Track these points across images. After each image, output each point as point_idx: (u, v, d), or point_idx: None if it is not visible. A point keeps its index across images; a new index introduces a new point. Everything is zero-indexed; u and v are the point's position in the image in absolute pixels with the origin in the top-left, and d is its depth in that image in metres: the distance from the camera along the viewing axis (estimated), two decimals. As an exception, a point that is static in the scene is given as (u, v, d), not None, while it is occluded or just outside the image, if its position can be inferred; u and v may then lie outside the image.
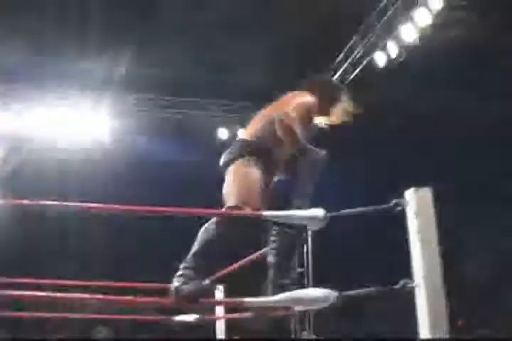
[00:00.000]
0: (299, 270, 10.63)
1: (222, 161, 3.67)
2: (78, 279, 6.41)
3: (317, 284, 9.89)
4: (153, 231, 11.41)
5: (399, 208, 2.86)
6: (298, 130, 3.58)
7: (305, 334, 9.73)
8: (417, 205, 2.79)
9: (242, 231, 3.28)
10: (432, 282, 2.68)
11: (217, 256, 3.32)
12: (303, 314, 9.92)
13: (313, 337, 9.69)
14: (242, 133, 3.93)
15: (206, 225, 3.31)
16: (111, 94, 10.61)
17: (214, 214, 3.31)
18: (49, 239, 12.22)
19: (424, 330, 2.63)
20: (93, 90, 10.50)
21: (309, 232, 10.41)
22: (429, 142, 11.83)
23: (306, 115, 3.78)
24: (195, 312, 4.64)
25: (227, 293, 5.42)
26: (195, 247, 3.26)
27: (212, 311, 5.13)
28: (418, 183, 2.86)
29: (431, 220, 2.80)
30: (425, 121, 11.04)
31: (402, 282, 2.75)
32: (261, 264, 3.81)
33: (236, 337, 7.04)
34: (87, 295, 3.08)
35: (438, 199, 2.78)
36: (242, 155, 3.58)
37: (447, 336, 2.61)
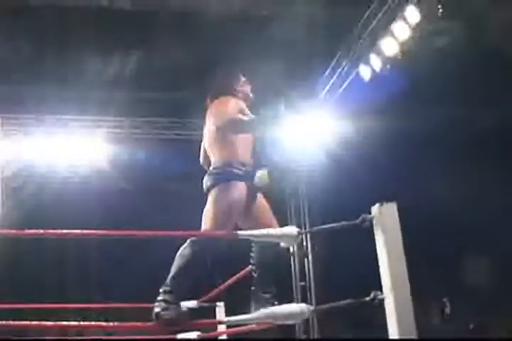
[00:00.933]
0: (301, 283, 10.79)
1: (204, 188, 3.85)
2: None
3: (320, 297, 9.92)
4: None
5: (366, 223, 2.97)
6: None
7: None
8: (382, 219, 2.90)
9: (217, 252, 3.44)
10: (399, 293, 2.78)
11: (195, 277, 3.46)
12: (306, 322, 10.07)
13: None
14: (212, 160, 4.02)
15: (181, 250, 3.48)
16: (108, 118, 10.75)
17: (193, 236, 3.44)
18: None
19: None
20: (90, 115, 10.62)
21: (309, 248, 10.66)
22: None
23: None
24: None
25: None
26: (172, 272, 3.44)
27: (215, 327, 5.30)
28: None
29: (397, 234, 2.89)
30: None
31: (372, 294, 2.85)
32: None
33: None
34: (75, 323, 3.21)
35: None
36: (217, 184, 3.75)
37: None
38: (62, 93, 10.12)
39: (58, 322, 3.42)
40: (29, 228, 3.20)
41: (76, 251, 11.60)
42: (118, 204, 11.52)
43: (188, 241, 3.48)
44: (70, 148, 10.55)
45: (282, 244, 3.35)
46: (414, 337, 2.73)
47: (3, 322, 3.30)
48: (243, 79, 4.29)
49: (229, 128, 3.87)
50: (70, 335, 7.32)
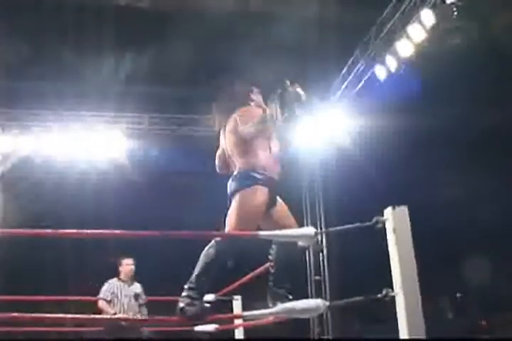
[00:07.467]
0: (316, 278, 10.95)
1: (228, 191, 3.98)
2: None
3: (334, 291, 10.04)
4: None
5: (379, 225, 3.15)
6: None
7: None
8: (394, 222, 3.08)
9: (239, 252, 3.64)
10: (409, 291, 2.97)
11: (218, 275, 3.67)
12: (320, 316, 10.25)
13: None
14: (236, 165, 4.11)
15: (206, 249, 3.68)
16: (126, 114, 10.91)
17: (216, 236, 3.63)
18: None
19: (403, 334, 2.92)
20: (108, 111, 10.79)
21: (324, 243, 10.80)
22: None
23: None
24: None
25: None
26: (197, 269, 3.65)
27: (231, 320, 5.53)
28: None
29: (407, 235, 3.08)
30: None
31: (384, 291, 3.04)
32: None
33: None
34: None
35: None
36: (241, 188, 3.90)
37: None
38: (81, 89, 10.27)
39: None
40: (47, 222, 3.37)
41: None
42: (135, 199, 11.65)
43: (213, 241, 3.67)
44: (87, 144, 10.66)
45: (300, 243, 3.56)
46: (422, 331, 2.91)
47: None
48: (256, 89, 4.34)
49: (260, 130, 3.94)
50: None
